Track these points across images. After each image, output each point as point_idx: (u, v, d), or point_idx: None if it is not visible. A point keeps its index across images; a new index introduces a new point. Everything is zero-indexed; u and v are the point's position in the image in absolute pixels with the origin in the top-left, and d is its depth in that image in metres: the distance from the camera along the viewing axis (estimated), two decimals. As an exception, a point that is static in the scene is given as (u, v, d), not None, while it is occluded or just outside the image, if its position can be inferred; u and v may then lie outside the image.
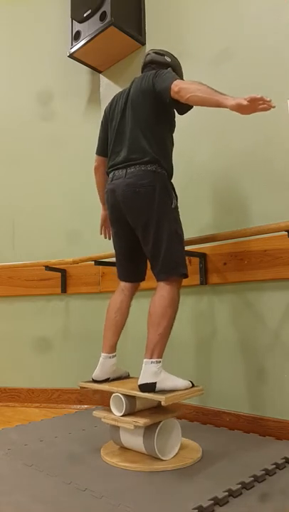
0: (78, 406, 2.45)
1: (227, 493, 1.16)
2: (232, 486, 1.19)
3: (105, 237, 1.98)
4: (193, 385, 1.52)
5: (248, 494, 1.19)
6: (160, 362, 1.48)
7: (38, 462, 1.47)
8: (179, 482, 1.27)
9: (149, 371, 1.45)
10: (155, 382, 1.43)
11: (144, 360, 1.48)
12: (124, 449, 1.56)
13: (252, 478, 1.25)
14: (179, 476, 1.32)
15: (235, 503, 1.14)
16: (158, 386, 1.43)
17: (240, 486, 1.20)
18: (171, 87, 1.53)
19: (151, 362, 1.47)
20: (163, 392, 1.42)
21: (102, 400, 2.43)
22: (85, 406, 2.44)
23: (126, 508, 1.11)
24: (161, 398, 1.36)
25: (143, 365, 1.48)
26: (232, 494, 1.17)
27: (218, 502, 1.12)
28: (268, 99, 1.36)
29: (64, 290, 2.58)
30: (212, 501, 1.12)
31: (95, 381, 1.63)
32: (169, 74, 1.61)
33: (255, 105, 1.36)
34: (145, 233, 1.59)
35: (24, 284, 2.66)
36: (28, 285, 2.65)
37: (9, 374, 2.63)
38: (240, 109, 1.37)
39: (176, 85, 1.52)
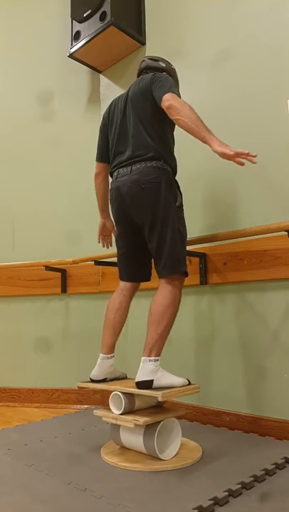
0: (78, 406, 2.45)
1: (227, 493, 1.16)
2: (232, 486, 1.19)
3: (103, 246, 1.97)
4: (189, 383, 1.53)
5: (248, 494, 1.19)
6: (158, 360, 1.49)
7: (38, 462, 1.47)
8: (179, 482, 1.27)
9: (146, 369, 1.47)
10: (152, 380, 1.44)
11: (142, 358, 1.49)
12: (124, 449, 1.56)
13: (252, 478, 1.25)
14: (179, 476, 1.32)
15: (235, 503, 1.13)
16: (155, 383, 1.44)
17: (240, 486, 1.20)
18: (163, 99, 1.55)
19: (149, 360, 1.48)
20: (160, 389, 1.43)
21: (102, 400, 2.43)
22: (85, 406, 2.44)
23: (126, 508, 1.11)
24: (158, 394, 1.38)
25: (141, 363, 1.49)
26: (232, 494, 1.17)
27: (218, 502, 1.12)
28: (254, 154, 1.40)
29: (64, 290, 2.58)
30: (212, 501, 1.11)
31: (92, 381, 1.64)
32: (166, 82, 1.61)
33: (238, 157, 1.40)
34: (151, 230, 1.58)
35: (24, 284, 2.66)
36: (28, 285, 2.65)
37: (9, 374, 2.63)
38: (222, 156, 1.42)
39: (168, 100, 1.53)
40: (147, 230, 1.60)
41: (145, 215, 1.59)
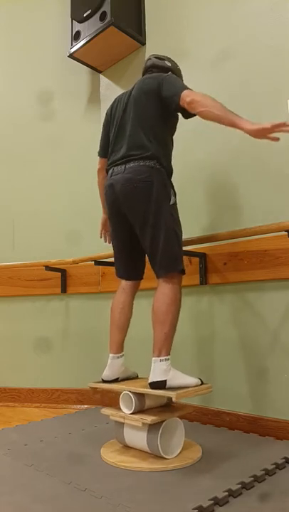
0: (78, 406, 2.45)
1: (227, 493, 1.16)
2: (232, 486, 1.19)
3: (105, 241, 1.98)
4: (202, 383, 1.53)
5: (248, 494, 1.19)
6: (168, 359, 1.49)
7: (38, 462, 1.47)
8: (179, 482, 1.27)
9: (158, 369, 1.46)
10: (165, 380, 1.44)
11: (153, 358, 1.49)
12: (124, 449, 1.56)
13: (252, 478, 1.25)
14: (179, 476, 1.32)
15: (235, 503, 1.13)
16: (168, 384, 1.44)
17: (240, 486, 1.20)
18: (182, 97, 1.54)
19: (160, 360, 1.48)
20: (173, 389, 1.43)
21: (102, 400, 2.43)
22: (85, 406, 2.44)
23: (126, 508, 1.11)
24: (172, 394, 1.37)
25: (152, 363, 1.48)
26: (232, 494, 1.17)
27: (218, 502, 1.12)
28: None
29: (64, 290, 2.58)
30: (212, 501, 1.11)
31: (104, 381, 1.65)
32: (178, 81, 1.62)
33: (276, 129, 1.33)
34: (143, 229, 1.59)
35: (24, 284, 2.66)
36: (28, 285, 2.65)
37: (9, 374, 2.63)
38: (260, 133, 1.35)
39: (188, 96, 1.52)
40: (139, 229, 1.61)
41: (138, 214, 1.59)
